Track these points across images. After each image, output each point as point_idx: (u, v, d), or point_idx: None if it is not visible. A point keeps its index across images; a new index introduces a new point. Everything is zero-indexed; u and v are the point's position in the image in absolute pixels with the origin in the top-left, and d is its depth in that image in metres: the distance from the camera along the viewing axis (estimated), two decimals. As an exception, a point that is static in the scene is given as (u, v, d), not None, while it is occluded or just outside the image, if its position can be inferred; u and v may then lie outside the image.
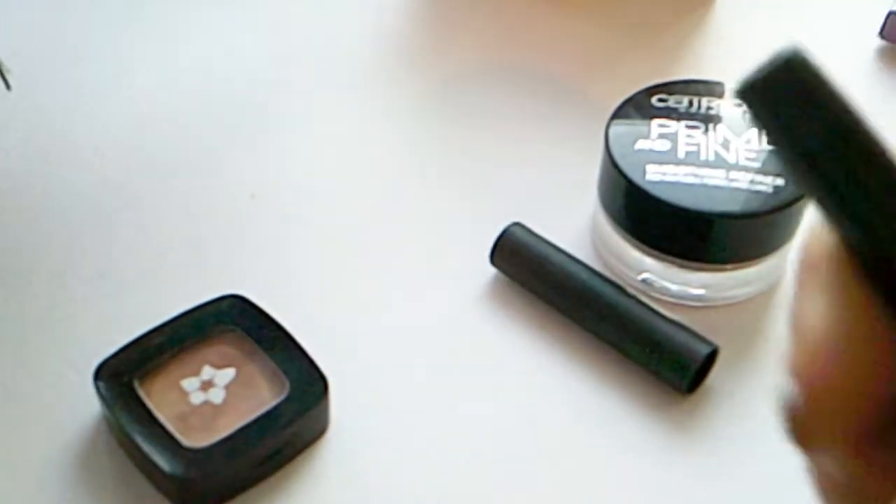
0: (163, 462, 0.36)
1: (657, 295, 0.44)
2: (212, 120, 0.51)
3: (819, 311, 0.20)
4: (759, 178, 0.41)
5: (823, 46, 0.56)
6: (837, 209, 0.19)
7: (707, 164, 0.42)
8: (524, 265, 0.44)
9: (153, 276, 0.44)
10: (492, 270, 0.44)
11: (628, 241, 0.43)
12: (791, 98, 0.20)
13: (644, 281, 0.44)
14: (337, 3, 0.58)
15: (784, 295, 0.45)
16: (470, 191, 0.48)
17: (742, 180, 0.41)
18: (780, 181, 0.41)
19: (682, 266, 0.43)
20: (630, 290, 0.42)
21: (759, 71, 0.20)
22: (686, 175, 0.41)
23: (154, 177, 0.48)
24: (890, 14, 0.55)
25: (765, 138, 0.20)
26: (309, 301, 0.43)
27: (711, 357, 0.41)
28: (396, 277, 0.45)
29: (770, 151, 0.20)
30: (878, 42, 0.57)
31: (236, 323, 0.40)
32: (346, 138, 0.51)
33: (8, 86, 0.41)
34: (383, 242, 0.46)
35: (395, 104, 0.52)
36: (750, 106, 0.20)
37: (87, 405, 0.39)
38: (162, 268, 0.44)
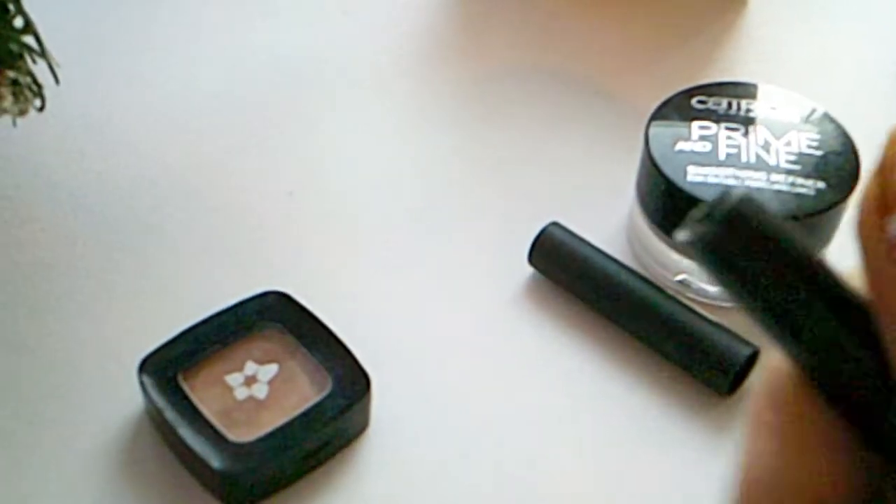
0: (208, 456, 0.36)
1: (694, 296, 0.44)
2: (249, 118, 0.51)
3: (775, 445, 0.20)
4: (801, 180, 0.41)
5: (853, 49, 0.57)
6: (796, 347, 0.20)
7: (748, 167, 0.42)
8: (562, 265, 0.44)
9: (193, 272, 0.44)
10: (529, 270, 0.45)
11: (666, 242, 0.43)
12: (740, 252, 0.19)
13: (682, 282, 0.44)
14: (371, 3, 0.58)
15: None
16: (507, 190, 0.48)
17: (783, 183, 0.41)
18: (821, 184, 0.41)
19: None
20: (668, 291, 0.43)
21: (706, 223, 0.19)
22: (727, 177, 0.41)
23: (192, 173, 0.48)
24: (923, 18, 0.56)
25: (715, 282, 0.20)
26: (347, 298, 0.44)
27: (752, 358, 0.41)
28: (435, 276, 0.45)
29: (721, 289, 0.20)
30: (910, 46, 0.57)
31: (278, 319, 0.40)
32: (380, 137, 0.51)
33: (57, 80, 0.41)
34: (421, 241, 0.46)
35: (432, 103, 0.53)
36: (697, 256, 0.20)
37: (131, 399, 0.39)
38: (204, 263, 0.45)
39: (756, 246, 0.19)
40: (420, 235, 0.46)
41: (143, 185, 0.48)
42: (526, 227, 0.45)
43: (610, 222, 0.47)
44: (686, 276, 0.44)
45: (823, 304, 0.19)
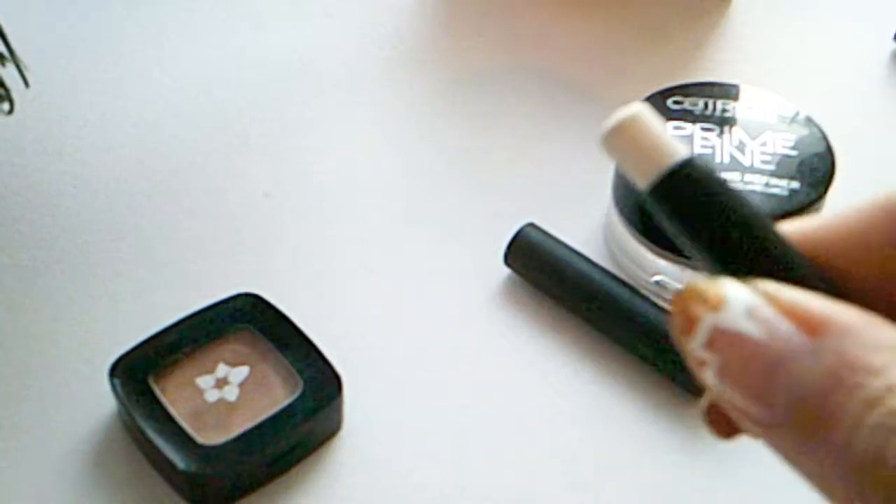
0: (176, 459, 0.36)
1: (671, 297, 0.44)
2: (226, 119, 0.51)
3: None
4: (775, 181, 0.41)
5: (838, 50, 0.56)
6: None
7: (722, 167, 0.42)
8: (538, 266, 0.44)
9: (169, 274, 0.44)
10: (505, 271, 0.44)
11: (642, 243, 0.43)
12: (690, 203, 0.22)
13: (658, 283, 0.44)
14: (352, 3, 0.58)
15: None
16: (484, 191, 0.48)
17: (757, 183, 0.41)
18: (795, 184, 0.41)
19: (695, 268, 0.43)
20: (643, 292, 0.42)
21: (660, 175, 0.22)
22: (701, 177, 0.41)
23: (168, 175, 0.48)
24: (905, 18, 0.55)
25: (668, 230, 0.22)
26: (323, 300, 0.43)
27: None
28: (411, 277, 0.45)
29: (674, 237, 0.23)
30: (893, 46, 0.57)
31: (250, 321, 0.40)
32: (359, 138, 0.51)
33: (26, 83, 0.41)
34: (397, 242, 0.46)
35: (409, 104, 0.52)
36: (653, 206, 0.22)
37: (103, 402, 0.39)
38: (178, 265, 0.45)
39: (701, 200, 0.22)
40: (396, 236, 0.46)
41: (121, 187, 0.48)
42: (503, 228, 0.45)
43: (587, 223, 0.47)
44: (662, 276, 0.44)
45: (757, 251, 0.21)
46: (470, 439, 0.40)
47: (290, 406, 0.37)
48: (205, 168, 0.49)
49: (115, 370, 0.38)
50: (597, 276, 0.43)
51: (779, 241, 0.22)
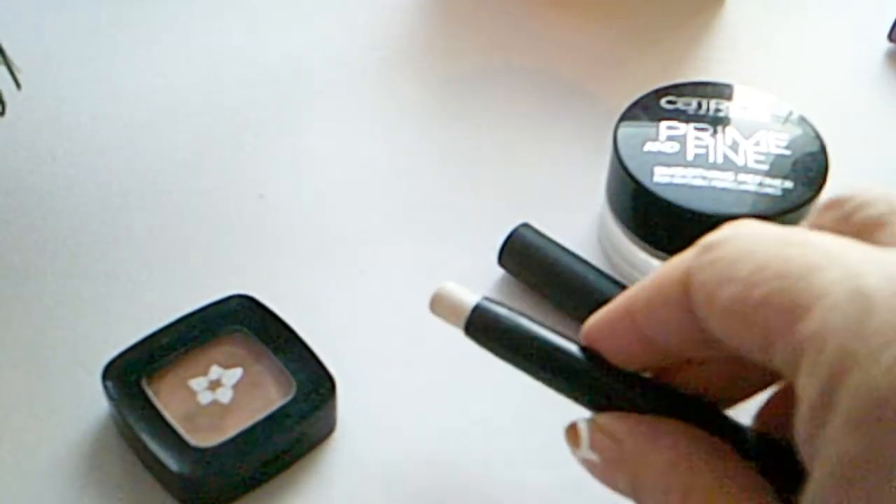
0: (170, 461, 0.36)
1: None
2: (220, 120, 0.51)
3: None
4: (768, 180, 0.41)
5: (832, 49, 0.56)
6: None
7: (715, 167, 0.42)
8: (532, 266, 0.44)
9: (162, 276, 0.44)
10: (499, 271, 0.44)
11: (636, 243, 0.43)
12: (492, 337, 0.32)
13: (652, 283, 0.44)
14: (344, 3, 0.58)
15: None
16: (478, 191, 0.48)
17: (751, 183, 0.41)
18: (788, 184, 0.41)
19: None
20: (638, 292, 0.42)
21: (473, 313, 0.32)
22: (694, 177, 0.41)
23: (162, 176, 0.48)
24: (899, 17, 0.55)
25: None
26: (317, 301, 0.43)
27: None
28: (404, 277, 0.45)
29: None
30: (886, 45, 0.57)
31: (244, 323, 0.40)
32: (353, 139, 0.51)
33: (18, 84, 0.41)
34: (391, 242, 0.46)
35: (402, 105, 0.52)
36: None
37: (96, 404, 0.39)
38: (170, 267, 0.44)
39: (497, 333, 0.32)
40: (389, 237, 0.46)
41: (114, 188, 0.48)
42: (497, 229, 0.45)
43: (582, 223, 0.47)
44: (656, 276, 0.44)
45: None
46: (462, 440, 0.40)
47: (283, 408, 0.37)
48: (198, 169, 0.49)
49: (107, 372, 0.38)
50: (591, 276, 0.43)
51: (565, 351, 0.31)
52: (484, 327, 0.31)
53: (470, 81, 0.53)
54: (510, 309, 0.32)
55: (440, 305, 0.32)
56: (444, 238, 0.46)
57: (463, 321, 0.32)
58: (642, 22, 0.57)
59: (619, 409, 0.30)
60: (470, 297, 0.32)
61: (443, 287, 0.32)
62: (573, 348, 0.30)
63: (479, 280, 0.44)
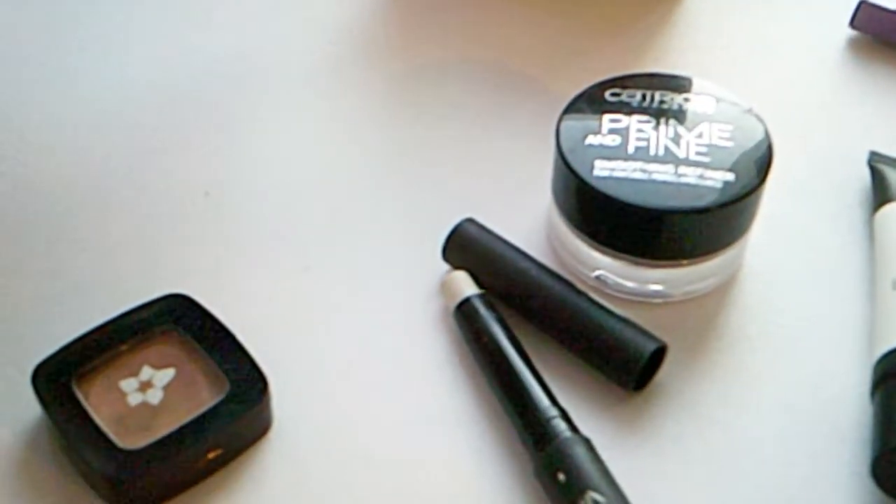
0: (97, 463, 0.35)
1: (613, 292, 0.43)
2: (167, 117, 0.51)
3: None
4: (709, 172, 0.41)
5: (794, 37, 0.56)
6: None
7: (656, 160, 0.41)
8: (475, 261, 0.43)
9: (103, 276, 0.44)
10: (444, 266, 0.44)
11: (581, 238, 0.43)
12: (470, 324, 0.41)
13: (598, 278, 0.43)
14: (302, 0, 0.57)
15: (741, 290, 0.44)
16: (426, 186, 0.48)
17: (691, 175, 0.40)
18: (730, 176, 0.40)
19: (635, 263, 0.42)
20: (580, 287, 0.42)
21: None
22: (634, 171, 0.41)
23: (107, 175, 0.48)
24: (861, 3, 0.55)
25: None
26: (259, 299, 0.43)
27: (659, 354, 0.40)
28: (348, 274, 0.44)
29: None
30: (848, 32, 0.56)
31: (178, 322, 0.39)
32: (301, 135, 0.50)
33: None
34: (336, 239, 0.46)
35: (350, 100, 0.52)
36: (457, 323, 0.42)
37: (30, 405, 0.39)
38: (113, 267, 0.44)
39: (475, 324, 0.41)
40: (335, 233, 0.46)
41: (60, 186, 0.47)
42: (444, 224, 0.44)
43: (530, 218, 0.46)
44: (602, 271, 0.43)
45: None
46: (402, 439, 0.39)
47: (214, 408, 0.37)
48: (145, 168, 0.48)
49: (37, 374, 0.38)
50: (533, 270, 0.42)
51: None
52: (465, 316, 0.41)
53: (421, 76, 0.53)
54: (496, 314, 0.41)
55: (446, 287, 0.42)
56: (390, 232, 0.46)
57: (455, 303, 0.42)
58: (601, 14, 0.57)
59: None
60: (468, 290, 0.42)
61: (453, 274, 0.43)
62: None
63: (424, 275, 0.44)
